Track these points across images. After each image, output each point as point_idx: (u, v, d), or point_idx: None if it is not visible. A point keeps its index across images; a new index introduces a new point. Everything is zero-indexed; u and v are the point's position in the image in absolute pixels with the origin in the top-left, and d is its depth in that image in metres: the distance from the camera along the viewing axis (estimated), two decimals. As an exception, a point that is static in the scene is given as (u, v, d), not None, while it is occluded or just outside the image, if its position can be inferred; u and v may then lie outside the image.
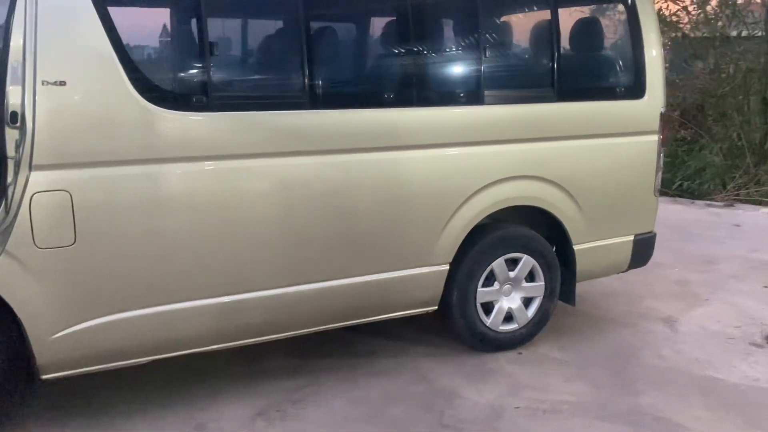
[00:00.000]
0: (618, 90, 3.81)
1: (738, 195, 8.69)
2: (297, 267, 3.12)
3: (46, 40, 2.56)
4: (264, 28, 3.28)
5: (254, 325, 3.12)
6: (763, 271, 5.18)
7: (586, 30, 3.80)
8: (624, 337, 3.99)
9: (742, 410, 3.16)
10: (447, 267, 3.49)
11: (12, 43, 2.55)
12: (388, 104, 3.23)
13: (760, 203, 8.29)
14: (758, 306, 4.46)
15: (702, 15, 9.55)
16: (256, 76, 3.09)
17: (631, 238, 3.96)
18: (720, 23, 9.31)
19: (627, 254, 3.99)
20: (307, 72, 3.01)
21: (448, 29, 3.44)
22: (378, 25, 3.44)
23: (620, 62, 3.84)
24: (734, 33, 9.56)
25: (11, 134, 2.58)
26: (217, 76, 2.93)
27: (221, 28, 3.04)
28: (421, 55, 3.33)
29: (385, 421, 3.07)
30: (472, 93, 3.41)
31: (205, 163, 2.88)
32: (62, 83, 2.61)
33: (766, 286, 4.86)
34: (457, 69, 3.46)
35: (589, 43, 3.80)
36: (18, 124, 2.56)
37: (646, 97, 3.80)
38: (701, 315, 4.31)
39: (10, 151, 2.59)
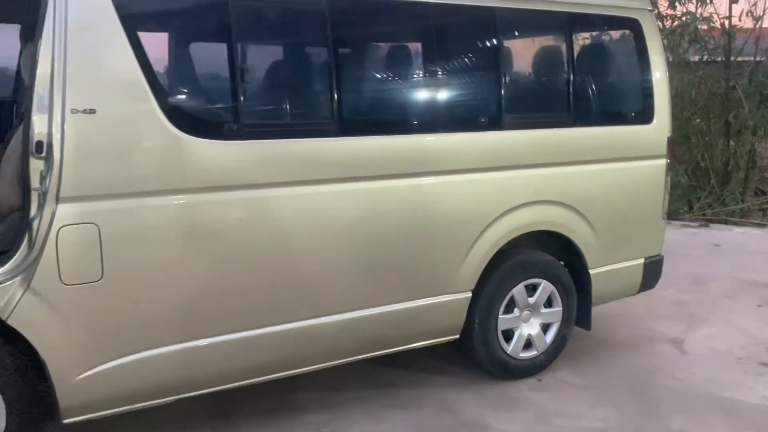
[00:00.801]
0: (629, 115, 3.87)
1: (704, 215, 8.98)
2: (327, 297, 3.04)
3: (75, 67, 2.45)
4: (293, 55, 3.21)
5: (282, 358, 3.02)
6: (753, 291, 5.31)
7: (599, 56, 3.86)
8: (636, 359, 4.01)
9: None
10: (470, 294, 3.44)
11: (39, 71, 2.42)
12: (414, 131, 3.20)
13: (726, 222, 8.56)
14: (757, 325, 4.56)
15: (665, 41, 9.89)
16: (286, 104, 3.02)
17: (642, 261, 4.01)
18: (681, 49, 9.65)
19: (638, 277, 4.02)
20: (335, 99, 2.96)
21: (472, 57, 3.43)
22: (402, 52, 3.40)
23: (631, 88, 3.90)
24: (696, 58, 9.94)
25: (36, 165, 2.44)
26: (248, 103, 2.85)
27: (251, 56, 2.97)
28: (444, 81, 3.32)
29: (420, 455, 3.00)
30: (493, 118, 3.40)
31: (235, 192, 2.78)
32: (92, 111, 2.49)
33: (759, 306, 4.98)
34: (479, 95, 3.45)
35: (602, 69, 3.86)
36: (44, 155, 2.43)
37: (654, 121, 3.87)
38: (705, 336, 4.38)
39: (35, 182, 2.45)
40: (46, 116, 2.42)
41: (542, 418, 3.31)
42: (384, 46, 3.42)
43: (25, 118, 2.46)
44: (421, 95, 3.34)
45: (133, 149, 2.59)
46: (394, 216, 3.15)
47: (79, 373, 2.60)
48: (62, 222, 2.46)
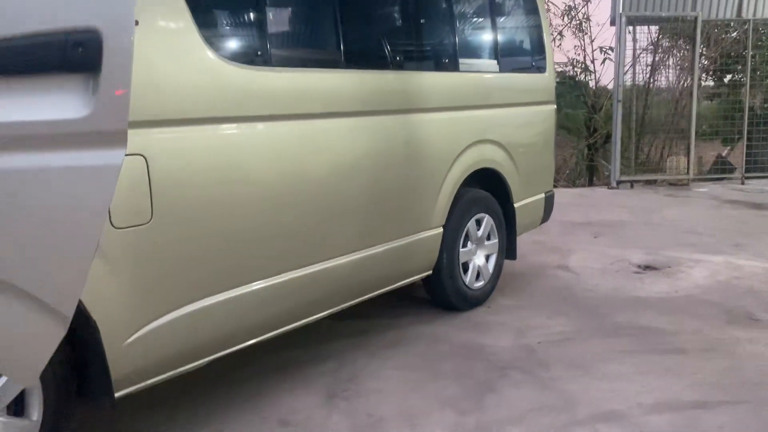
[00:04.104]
0: (533, 65, 4.38)
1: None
2: (357, 232, 3.00)
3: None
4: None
5: (313, 301, 2.88)
6: (580, 228, 6.28)
7: (513, 17, 4.32)
8: (548, 282, 4.55)
9: (681, 311, 3.91)
10: (441, 230, 3.61)
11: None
12: (403, 68, 3.29)
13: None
14: (606, 249, 5.44)
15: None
16: (309, 36, 2.90)
17: (543, 195, 4.55)
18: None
19: (542, 210, 4.57)
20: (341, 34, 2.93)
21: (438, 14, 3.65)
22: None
23: (533, 43, 4.41)
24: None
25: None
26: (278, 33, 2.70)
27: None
28: (424, 29, 3.53)
29: (446, 375, 3.08)
30: (452, 61, 3.62)
31: (272, 123, 2.60)
32: (135, 23, 2.13)
33: (595, 237, 5.93)
34: (443, 41, 3.64)
35: (515, 28, 4.31)
36: (85, 73, 2.02)
37: (546, 72, 4.44)
38: (579, 260, 5.11)
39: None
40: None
41: (520, 332, 3.62)
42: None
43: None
44: (407, 37, 3.44)
45: (175, 71, 2.28)
46: (392, 151, 3.20)
47: (129, 336, 2.21)
48: (111, 152, 2.07)
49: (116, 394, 2.21)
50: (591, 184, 11.72)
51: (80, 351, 2.18)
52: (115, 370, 2.18)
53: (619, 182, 8.90)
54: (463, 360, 3.25)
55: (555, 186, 10.06)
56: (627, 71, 9.07)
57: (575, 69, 12.54)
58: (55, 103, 1.55)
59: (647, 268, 4.88)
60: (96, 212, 1.72)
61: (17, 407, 2.05)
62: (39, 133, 1.54)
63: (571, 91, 12.36)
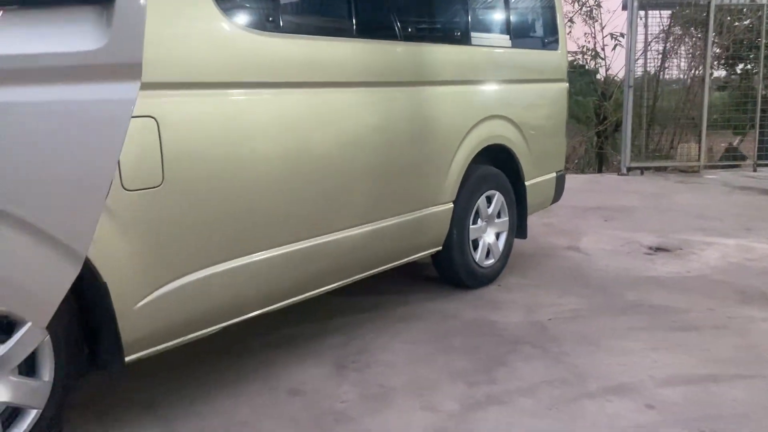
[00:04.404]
0: (545, 42, 4.33)
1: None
2: (365, 203, 2.98)
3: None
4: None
5: (323, 272, 2.87)
6: (591, 212, 6.24)
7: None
8: (559, 262, 4.52)
9: (693, 290, 3.88)
10: (452, 205, 3.59)
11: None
12: (417, 39, 3.24)
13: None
14: (617, 232, 5.40)
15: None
16: (321, 4, 2.88)
17: (554, 174, 4.52)
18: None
19: (553, 190, 4.53)
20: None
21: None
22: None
23: (546, 19, 4.35)
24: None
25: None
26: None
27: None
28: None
29: (456, 349, 3.07)
30: (464, 34, 3.57)
31: (284, 90, 2.58)
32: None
33: (605, 220, 5.89)
34: (456, 15, 3.59)
35: (528, 3, 4.26)
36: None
37: (559, 49, 4.39)
38: (590, 242, 5.07)
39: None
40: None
41: (530, 309, 3.59)
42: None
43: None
44: (420, 9, 3.40)
45: (188, 34, 2.25)
46: (403, 123, 3.17)
47: (141, 299, 2.20)
48: (123, 114, 2.05)
49: (126, 359, 2.21)
50: (600, 172, 11.66)
51: (91, 315, 2.17)
52: (125, 334, 2.17)
53: (629, 169, 8.84)
54: (473, 335, 3.23)
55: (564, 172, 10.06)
56: (638, 58, 8.99)
57: (585, 56, 12.46)
58: (70, 35, 1.53)
59: (658, 249, 4.84)
60: (109, 147, 1.72)
61: (30, 368, 2.05)
62: (55, 65, 1.53)
63: (581, 78, 12.26)
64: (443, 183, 3.48)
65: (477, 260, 3.87)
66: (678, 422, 2.41)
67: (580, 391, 2.65)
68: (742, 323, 3.36)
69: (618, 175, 8.88)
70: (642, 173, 8.84)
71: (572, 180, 8.46)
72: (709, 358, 2.95)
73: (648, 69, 9.49)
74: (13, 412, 2.02)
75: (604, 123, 12.07)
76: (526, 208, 4.22)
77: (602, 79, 12.54)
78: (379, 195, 3.08)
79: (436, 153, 3.39)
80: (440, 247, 3.64)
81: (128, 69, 1.70)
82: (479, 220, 3.87)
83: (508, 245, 4.13)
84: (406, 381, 2.74)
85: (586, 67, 12.61)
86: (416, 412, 2.50)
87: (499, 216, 4.04)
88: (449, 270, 3.80)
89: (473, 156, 3.67)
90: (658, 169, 9.00)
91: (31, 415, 2.03)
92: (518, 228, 4.25)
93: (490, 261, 3.99)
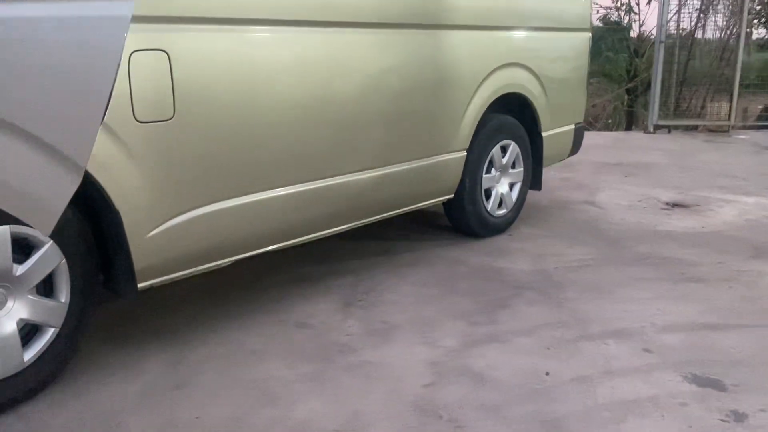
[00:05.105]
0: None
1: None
2: (376, 147, 3.03)
3: None
4: None
5: (333, 213, 2.94)
6: (612, 168, 6.20)
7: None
8: (573, 215, 4.53)
9: (705, 245, 3.88)
10: (465, 154, 3.61)
11: None
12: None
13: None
14: (635, 188, 5.37)
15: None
16: None
17: (573, 126, 4.49)
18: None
19: (570, 141, 4.51)
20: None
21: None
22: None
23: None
24: None
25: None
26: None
27: None
28: None
29: (461, 292, 3.13)
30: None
31: (295, 28, 2.61)
32: None
33: (626, 176, 5.85)
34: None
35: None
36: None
37: (582, -3, 4.33)
38: (607, 197, 5.06)
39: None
40: None
41: (538, 258, 3.63)
42: None
43: None
44: None
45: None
46: (417, 67, 3.18)
47: (152, 229, 2.29)
48: (134, 46, 2.12)
49: (139, 285, 2.32)
50: (629, 128, 11.47)
51: (105, 242, 2.28)
52: (137, 261, 2.27)
53: (656, 127, 8.69)
54: (479, 280, 3.30)
55: (590, 130, 9.92)
56: (673, 15, 8.74)
57: (619, 11, 12.15)
58: None
59: (675, 205, 4.82)
60: (107, 63, 1.83)
61: (48, 290, 2.17)
62: None
63: (614, 35, 11.99)
64: (457, 130, 3.50)
65: (489, 210, 3.90)
66: (672, 365, 2.46)
67: (580, 334, 2.71)
68: (750, 276, 3.36)
69: (644, 133, 8.75)
70: (669, 132, 8.70)
71: (597, 137, 8.38)
72: (713, 308, 2.97)
73: (683, 25, 9.24)
74: (33, 329, 2.15)
75: (634, 80, 11.83)
76: (542, 159, 4.22)
77: (635, 35, 12.24)
78: (390, 139, 3.12)
79: (450, 99, 3.40)
80: (452, 195, 3.68)
81: None
82: (493, 169, 3.89)
83: (522, 196, 4.15)
84: (409, 318, 2.83)
85: (620, 23, 12.32)
86: (416, 346, 2.58)
87: (513, 166, 4.05)
88: (460, 219, 3.85)
89: (489, 104, 3.67)
90: (687, 128, 8.83)
91: (49, 333, 2.17)
92: (533, 179, 4.26)
93: (503, 211, 4.02)
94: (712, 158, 6.77)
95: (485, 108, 3.64)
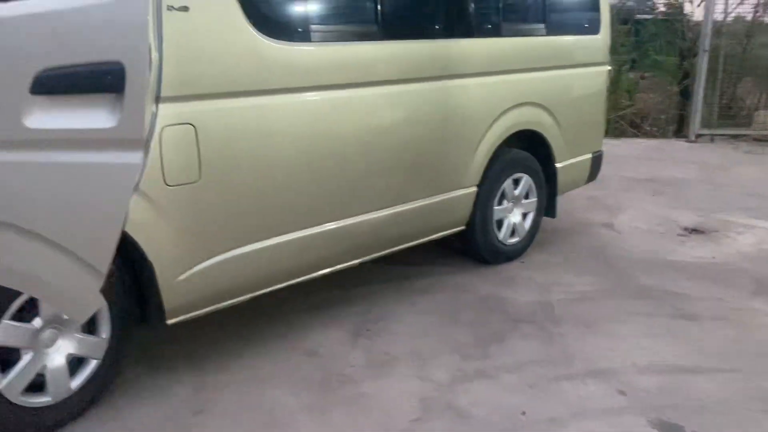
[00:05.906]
0: (583, 26, 4.42)
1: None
2: (384, 191, 3.34)
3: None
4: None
5: (335, 253, 3.25)
6: (641, 185, 6.30)
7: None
8: (586, 240, 4.73)
9: (711, 278, 4.03)
10: (476, 189, 3.87)
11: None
12: (441, 36, 3.48)
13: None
14: (658, 209, 5.50)
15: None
16: (346, 9, 3.19)
17: (590, 155, 4.67)
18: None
19: (587, 170, 4.69)
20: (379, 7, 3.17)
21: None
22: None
23: (585, 2, 4.44)
24: None
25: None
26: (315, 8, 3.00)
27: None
28: None
29: (464, 324, 3.41)
30: (495, 26, 3.77)
31: (309, 94, 2.92)
32: (185, 8, 2.49)
33: (653, 195, 5.96)
34: (485, 7, 3.77)
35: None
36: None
37: (600, 33, 4.48)
38: (627, 219, 5.22)
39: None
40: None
41: (544, 288, 3.87)
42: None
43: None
44: (445, 6, 3.60)
45: (221, 49, 2.62)
46: (428, 116, 3.45)
47: (181, 273, 2.66)
48: (165, 122, 2.47)
49: (168, 321, 2.70)
50: (680, 131, 11.33)
51: (140, 285, 2.66)
52: (167, 302, 2.65)
53: (698, 135, 8.65)
54: (482, 310, 3.57)
55: (637, 135, 9.80)
56: (723, 19, 8.58)
57: (674, 5, 11.89)
58: (91, 115, 2.07)
59: (693, 231, 4.94)
60: (121, 198, 2.27)
61: (90, 326, 2.58)
62: (80, 138, 2.09)
63: (665, 34, 11.78)
64: (468, 168, 3.76)
65: (500, 239, 4.15)
66: (641, 409, 2.69)
67: (563, 372, 2.96)
68: (742, 316, 3.52)
69: (686, 141, 8.73)
70: (712, 140, 8.64)
71: (636, 146, 8.44)
72: (698, 349, 3.17)
73: (731, 24, 9.06)
74: (78, 360, 2.56)
75: (683, 82, 11.63)
76: (556, 189, 4.43)
77: (689, 26, 11.96)
78: (403, 182, 3.40)
79: (461, 142, 3.66)
80: (464, 227, 3.95)
81: (134, 142, 2.23)
82: (505, 201, 4.13)
83: (535, 224, 4.37)
84: (409, 350, 3.13)
85: (672, 19, 12.07)
86: (411, 380, 2.89)
87: (527, 197, 4.28)
88: (472, 247, 4.11)
89: (501, 142, 3.91)
90: (735, 137, 8.70)
91: (92, 364, 2.57)
92: (548, 207, 4.47)
93: (515, 239, 4.26)
94: (748, 173, 6.78)
95: (496, 146, 3.88)
